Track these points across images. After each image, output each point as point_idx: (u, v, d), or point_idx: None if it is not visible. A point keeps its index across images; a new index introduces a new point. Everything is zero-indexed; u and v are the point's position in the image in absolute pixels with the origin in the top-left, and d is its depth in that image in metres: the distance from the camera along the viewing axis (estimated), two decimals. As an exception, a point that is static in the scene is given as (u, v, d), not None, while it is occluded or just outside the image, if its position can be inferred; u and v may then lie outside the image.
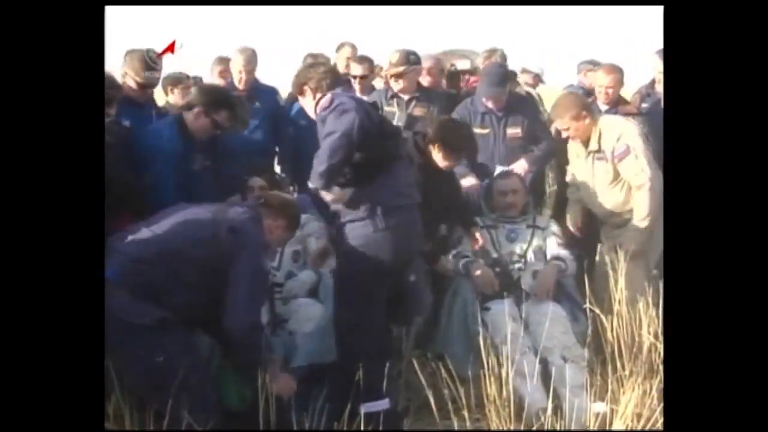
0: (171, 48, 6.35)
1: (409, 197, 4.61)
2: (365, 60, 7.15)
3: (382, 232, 4.40)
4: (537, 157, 6.27)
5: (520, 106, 6.39)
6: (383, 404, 4.39)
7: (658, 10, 3.38)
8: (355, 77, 7.06)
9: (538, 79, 9.67)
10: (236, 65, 6.85)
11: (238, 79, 6.86)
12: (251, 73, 6.87)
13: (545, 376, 4.55)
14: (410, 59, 6.43)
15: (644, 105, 6.81)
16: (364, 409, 4.30)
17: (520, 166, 6.09)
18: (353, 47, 8.10)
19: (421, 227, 4.68)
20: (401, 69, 6.35)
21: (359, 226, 4.43)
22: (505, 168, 6.00)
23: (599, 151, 5.54)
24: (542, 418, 4.13)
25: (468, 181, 5.96)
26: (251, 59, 6.83)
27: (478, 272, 5.28)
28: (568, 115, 5.58)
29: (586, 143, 5.63)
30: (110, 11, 3.40)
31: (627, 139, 5.42)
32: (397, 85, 6.48)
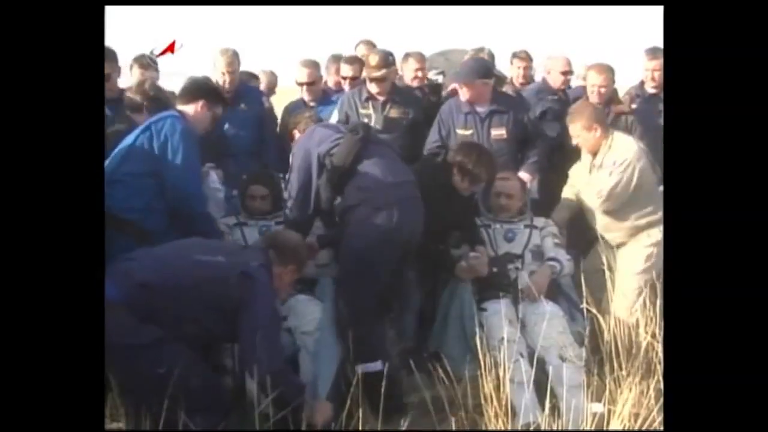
0: (171, 48, 6.35)
1: (402, 174, 4.83)
2: (356, 60, 7.12)
3: (382, 210, 4.59)
4: (535, 163, 6.22)
5: (505, 106, 6.24)
6: (377, 365, 4.48)
7: (658, 10, 3.39)
8: (345, 78, 7.03)
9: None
10: (219, 67, 6.72)
11: (222, 81, 6.77)
12: (234, 74, 6.75)
13: (542, 378, 4.55)
14: (389, 60, 6.27)
15: (633, 106, 6.82)
16: (360, 369, 4.41)
17: (523, 177, 5.99)
18: (369, 45, 8.09)
19: (421, 204, 4.80)
20: (383, 72, 6.16)
21: (358, 209, 4.65)
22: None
23: (602, 166, 5.54)
24: (532, 426, 4.26)
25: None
26: (233, 60, 6.74)
27: (472, 255, 5.30)
28: (579, 123, 5.59)
29: (593, 155, 5.64)
30: (110, 11, 3.40)
31: (626, 158, 5.41)
32: (374, 88, 6.27)
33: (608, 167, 5.45)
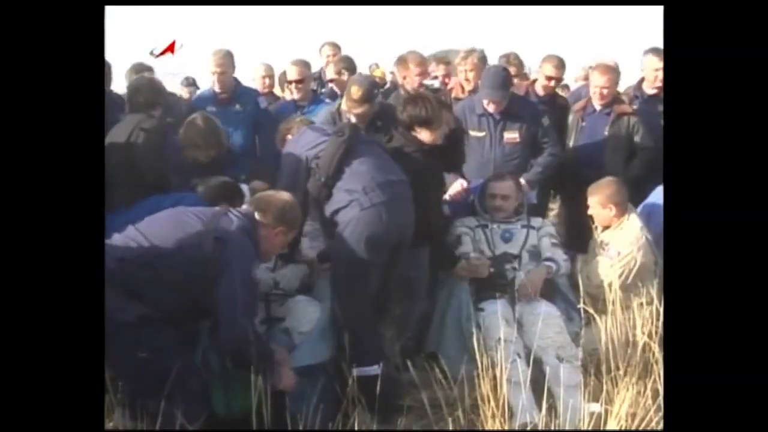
0: (171, 48, 6.36)
1: (391, 173, 4.79)
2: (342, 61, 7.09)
3: (370, 209, 4.58)
4: (537, 173, 6.23)
5: (520, 109, 6.25)
6: (374, 369, 4.52)
7: (658, 10, 3.40)
8: (331, 81, 7.00)
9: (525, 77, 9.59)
10: (209, 67, 6.74)
11: (212, 81, 6.81)
12: (225, 74, 6.74)
13: (539, 378, 4.55)
14: (372, 94, 5.75)
15: (634, 107, 6.78)
16: (356, 372, 4.44)
17: (522, 183, 5.95)
18: (334, 46, 8.12)
19: (412, 204, 4.79)
20: (365, 108, 5.66)
21: (346, 210, 4.64)
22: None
23: (608, 247, 5.55)
24: (529, 426, 4.30)
25: (454, 188, 5.75)
26: (223, 61, 6.68)
27: (473, 257, 5.33)
28: (597, 198, 5.61)
29: (605, 227, 5.66)
30: (110, 11, 3.39)
31: (630, 251, 5.40)
32: (354, 119, 5.77)
33: (612, 257, 5.44)
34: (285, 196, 4.45)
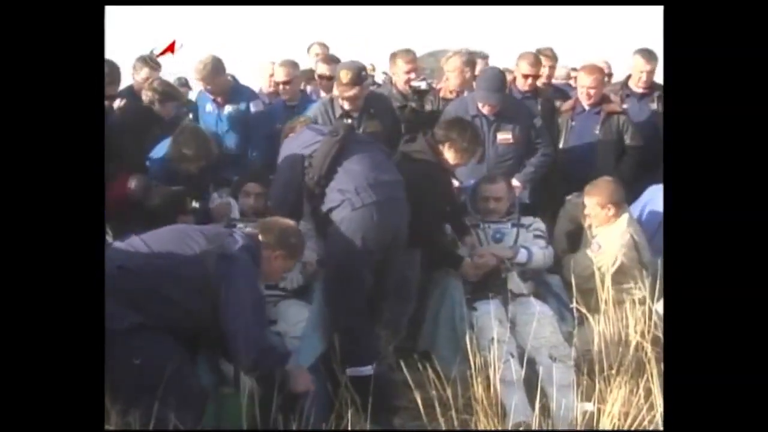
0: (171, 48, 6.32)
1: (385, 173, 4.78)
2: (333, 60, 7.08)
3: (361, 209, 4.58)
4: (529, 173, 6.24)
5: (514, 111, 6.25)
6: (368, 370, 4.52)
7: (658, 10, 3.40)
8: (321, 78, 6.98)
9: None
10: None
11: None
12: (211, 84, 6.62)
13: (533, 377, 4.56)
14: (362, 76, 5.83)
15: (625, 106, 6.82)
16: (349, 372, 4.45)
17: (515, 184, 5.98)
18: (322, 46, 8.08)
19: (406, 205, 4.80)
20: (356, 91, 5.76)
21: (338, 210, 4.63)
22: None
23: (591, 240, 5.57)
24: (522, 426, 4.28)
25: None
26: (203, 74, 6.52)
27: (476, 255, 5.36)
28: (596, 199, 5.57)
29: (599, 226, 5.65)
30: (110, 11, 3.38)
31: (612, 248, 5.42)
32: (347, 104, 5.91)
33: (594, 250, 5.47)
34: (289, 221, 4.51)
